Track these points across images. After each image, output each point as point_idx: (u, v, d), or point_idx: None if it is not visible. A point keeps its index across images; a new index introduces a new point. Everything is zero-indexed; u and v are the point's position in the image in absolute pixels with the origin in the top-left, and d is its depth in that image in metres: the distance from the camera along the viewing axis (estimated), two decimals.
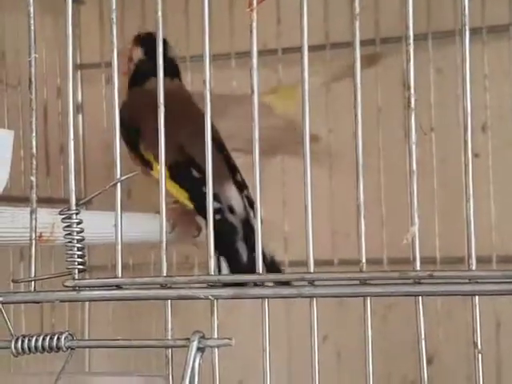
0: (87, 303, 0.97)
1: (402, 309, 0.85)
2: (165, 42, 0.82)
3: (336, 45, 0.94)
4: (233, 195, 0.78)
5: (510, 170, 0.90)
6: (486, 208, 0.87)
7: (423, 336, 0.42)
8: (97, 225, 0.62)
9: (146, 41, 0.84)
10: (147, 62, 0.84)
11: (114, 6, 0.49)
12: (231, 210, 0.77)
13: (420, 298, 0.43)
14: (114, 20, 0.48)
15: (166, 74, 0.47)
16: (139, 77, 0.84)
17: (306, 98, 0.44)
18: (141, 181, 0.94)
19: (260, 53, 0.46)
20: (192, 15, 0.97)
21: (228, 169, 0.79)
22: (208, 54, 0.46)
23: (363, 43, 0.44)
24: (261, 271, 0.45)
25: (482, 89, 0.88)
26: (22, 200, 0.82)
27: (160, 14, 0.48)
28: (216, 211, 0.73)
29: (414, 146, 0.43)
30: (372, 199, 0.89)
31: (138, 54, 0.86)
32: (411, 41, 0.42)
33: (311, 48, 0.45)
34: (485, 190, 0.87)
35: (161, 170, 0.48)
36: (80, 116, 1.04)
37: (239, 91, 0.93)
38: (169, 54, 0.82)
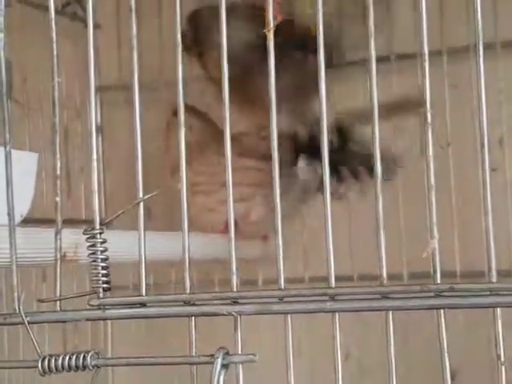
0: (109, 321, 0.98)
1: (422, 326, 0.85)
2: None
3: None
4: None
5: None
6: (504, 221, 0.87)
7: (446, 349, 0.43)
8: (118, 244, 0.63)
9: None
10: None
11: (134, 32, 0.50)
12: None
13: (442, 311, 0.43)
14: (135, 45, 0.49)
15: None
16: None
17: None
18: (161, 200, 0.95)
19: None
20: None
21: None
22: None
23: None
24: (283, 287, 0.46)
25: (497, 103, 0.89)
26: (45, 221, 0.82)
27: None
28: None
29: (431, 161, 0.43)
30: (390, 214, 0.89)
31: None
32: (426, 57, 0.43)
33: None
34: (503, 203, 0.88)
35: (182, 191, 0.48)
36: (100, 137, 1.06)
37: None
38: None
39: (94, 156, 0.50)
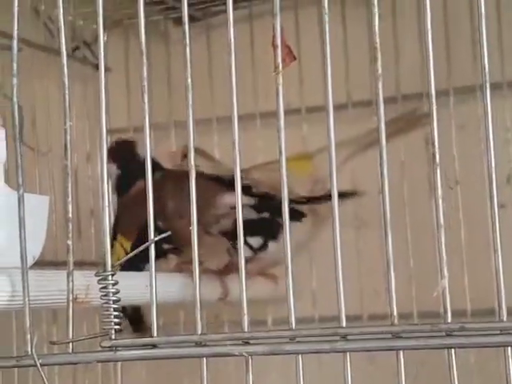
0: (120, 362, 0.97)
1: (432, 367, 0.85)
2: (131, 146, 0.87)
3: (357, 103, 0.96)
4: None
5: None
6: None
7: None
8: (129, 286, 0.63)
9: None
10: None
11: (145, 74, 0.51)
12: None
13: (453, 350, 0.43)
14: (146, 88, 0.50)
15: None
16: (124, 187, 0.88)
17: (333, 161, 0.45)
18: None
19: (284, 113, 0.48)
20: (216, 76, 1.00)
21: None
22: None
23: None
24: (294, 327, 0.46)
25: (504, 142, 0.89)
26: (55, 264, 0.83)
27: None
28: None
29: (440, 200, 0.44)
30: (399, 254, 0.89)
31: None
32: (433, 99, 0.43)
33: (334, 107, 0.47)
34: None
35: (193, 230, 0.49)
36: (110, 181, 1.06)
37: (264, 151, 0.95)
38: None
39: (106, 199, 0.50)
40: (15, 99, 0.52)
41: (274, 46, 0.46)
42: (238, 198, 0.48)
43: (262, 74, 0.98)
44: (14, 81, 0.53)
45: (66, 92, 0.52)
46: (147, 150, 0.51)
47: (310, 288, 0.95)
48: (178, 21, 1.00)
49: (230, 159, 0.84)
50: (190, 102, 0.50)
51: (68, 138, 0.52)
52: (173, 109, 1.01)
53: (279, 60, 0.47)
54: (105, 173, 0.52)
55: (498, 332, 0.43)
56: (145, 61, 0.51)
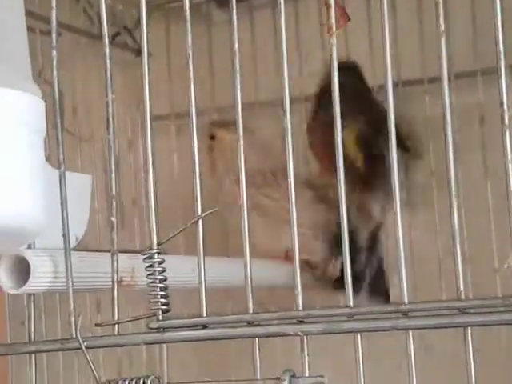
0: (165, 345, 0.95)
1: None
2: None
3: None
4: None
5: None
6: None
7: None
8: (174, 269, 0.61)
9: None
10: None
11: (190, 58, 0.48)
12: None
13: None
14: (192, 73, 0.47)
15: None
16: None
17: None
18: (215, 225, 0.93)
19: None
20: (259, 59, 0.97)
21: None
22: None
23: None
24: (351, 304, 0.43)
25: None
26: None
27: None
28: None
29: (510, 166, 0.41)
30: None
31: None
32: (502, 56, 0.40)
33: None
34: None
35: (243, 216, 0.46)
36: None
37: None
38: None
39: (151, 174, 0.48)
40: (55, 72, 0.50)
41: (327, 6, 0.44)
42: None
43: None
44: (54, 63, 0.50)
45: (107, 61, 0.50)
46: (193, 135, 0.49)
47: None
48: (221, 2, 0.98)
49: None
50: (238, 86, 0.47)
51: (110, 110, 0.50)
52: (215, 93, 0.98)
53: (333, 21, 0.44)
54: (150, 155, 0.50)
55: None
56: (190, 44, 0.49)
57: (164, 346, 0.89)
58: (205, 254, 0.74)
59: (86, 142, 0.94)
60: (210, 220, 0.95)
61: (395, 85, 0.90)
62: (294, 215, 0.45)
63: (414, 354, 0.42)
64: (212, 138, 0.88)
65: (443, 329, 0.42)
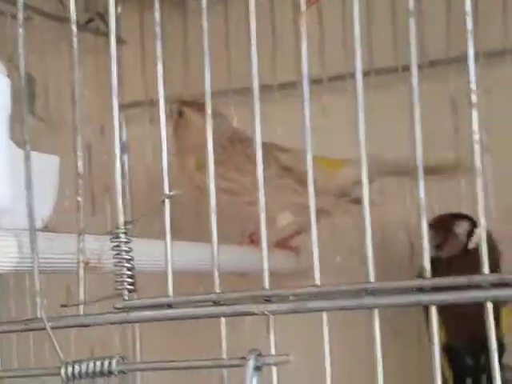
0: (137, 326, 0.95)
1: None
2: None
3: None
4: None
5: None
6: None
7: None
8: (144, 252, 0.60)
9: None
10: None
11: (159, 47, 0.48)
12: None
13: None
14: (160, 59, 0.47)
15: None
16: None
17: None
18: (188, 212, 0.93)
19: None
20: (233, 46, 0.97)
21: None
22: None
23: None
24: (318, 283, 0.43)
25: None
26: None
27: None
28: None
29: (476, 146, 0.40)
30: None
31: None
32: (470, 36, 0.40)
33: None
34: None
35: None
36: (125, 155, 1.04)
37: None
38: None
39: (118, 155, 0.48)
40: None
41: None
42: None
43: (282, 44, 0.96)
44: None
45: (74, 39, 0.49)
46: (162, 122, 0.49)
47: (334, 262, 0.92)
48: None
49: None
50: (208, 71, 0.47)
51: (77, 90, 0.49)
52: (189, 81, 0.98)
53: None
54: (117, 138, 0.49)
55: None
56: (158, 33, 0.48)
57: (137, 328, 0.88)
58: (180, 239, 0.74)
59: (58, 127, 0.94)
60: (184, 204, 0.95)
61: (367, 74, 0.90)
62: (262, 190, 0.45)
63: (381, 335, 0.42)
64: (180, 114, 0.87)
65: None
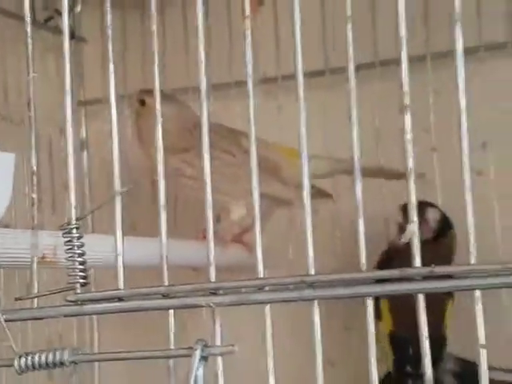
0: (95, 320, 0.97)
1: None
2: None
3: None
4: None
5: None
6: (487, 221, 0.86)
7: None
8: (95, 247, 0.62)
9: None
10: None
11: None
12: None
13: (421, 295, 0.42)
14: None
15: None
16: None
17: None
18: (145, 212, 0.94)
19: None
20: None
21: None
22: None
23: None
24: (262, 275, 0.45)
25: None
26: None
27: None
28: None
29: (409, 146, 0.42)
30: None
31: None
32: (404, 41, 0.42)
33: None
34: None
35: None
36: (85, 152, 1.05)
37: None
38: None
39: (70, 149, 0.49)
40: None
41: None
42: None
43: (239, 42, 0.97)
44: None
45: (29, 35, 0.50)
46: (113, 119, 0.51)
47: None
48: None
49: None
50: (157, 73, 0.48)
51: (31, 89, 0.51)
52: (148, 78, 0.99)
53: (246, 4, 0.45)
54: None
55: None
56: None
57: (95, 321, 0.89)
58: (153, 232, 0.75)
59: (17, 125, 0.95)
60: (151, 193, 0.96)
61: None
62: (208, 179, 0.46)
63: (321, 325, 0.44)
64: (142, 103, 0.87)
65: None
